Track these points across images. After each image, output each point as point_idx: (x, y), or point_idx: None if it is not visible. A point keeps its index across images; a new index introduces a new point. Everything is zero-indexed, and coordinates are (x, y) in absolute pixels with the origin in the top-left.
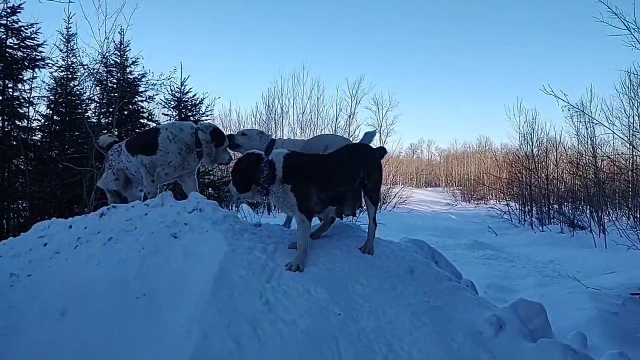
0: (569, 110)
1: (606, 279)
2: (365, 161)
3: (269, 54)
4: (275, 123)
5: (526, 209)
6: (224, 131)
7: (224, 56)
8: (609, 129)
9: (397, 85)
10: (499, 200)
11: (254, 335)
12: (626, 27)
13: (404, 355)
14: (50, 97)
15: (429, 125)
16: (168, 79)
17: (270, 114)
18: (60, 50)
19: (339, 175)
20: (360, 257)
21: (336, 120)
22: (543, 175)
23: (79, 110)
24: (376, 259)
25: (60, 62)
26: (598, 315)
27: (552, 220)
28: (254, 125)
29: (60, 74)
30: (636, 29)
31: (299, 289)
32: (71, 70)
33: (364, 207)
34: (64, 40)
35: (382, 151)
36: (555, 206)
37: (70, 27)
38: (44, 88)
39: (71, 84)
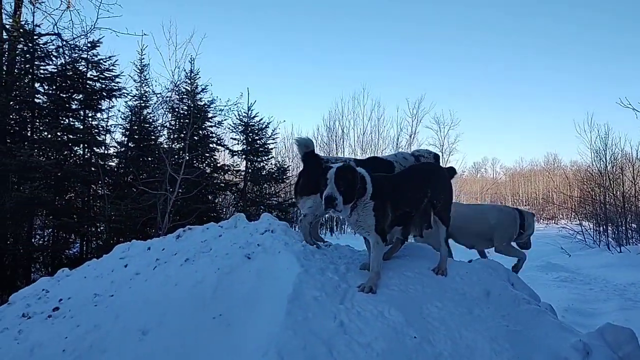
0: None
1: None
2: (433, 180)
3: (330, 76)
4: (336, 144)
5: (601, 228)
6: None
7: (284, 78)
8: None
9: (458, 103)
10: (570, 220)
11: (330, 357)
12: None
13: None
14: (126, 125)
15: (493, 144)
16: (235, 104)
17: (331, 135)
18: (134, 80)
19: (407, 195)
20: (433, 278)
21: (397, 140)
22: (619, 193)
23: (152, 137)
24: (450, 280)
25: (134, 92)
26: None
27: (630, 241)
28: (315, 147)
29: (134, 102)
30: None
31: (372, 311)
32: (144, 99)
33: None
34: (138, 70)
35: (451, 171)
36: (634, 225)
37: (143, 58)
38: (119, 117)
39: (144, 112)
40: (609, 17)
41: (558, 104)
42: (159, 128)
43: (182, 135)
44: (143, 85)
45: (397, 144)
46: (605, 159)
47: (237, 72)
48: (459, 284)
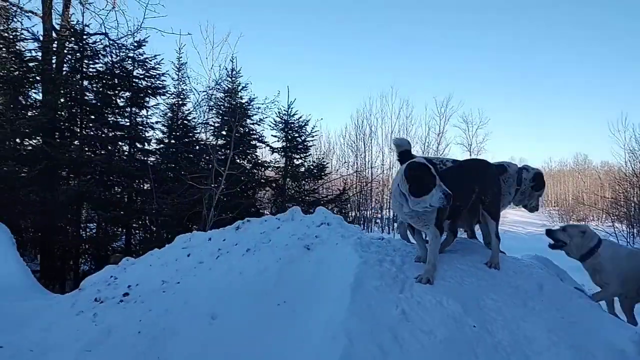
0: None
1: None
2: (481, 176)
3: (358, 74)
4: (364, 143)
5: (635, 230)
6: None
7: (312, 77)
8: None
9: (487, 102)
10: (601, 222)
11: (395, 342)
12: None
13: None
14: (166, 122)
15: (521, 143)
16: (272, 102)
17: (359, 134)
18: (172, 79)
19: (457, 190)
20: (487, 272)
21: (426, 139)
22: None
23: (192, 133)
24: (503, 274)
25: (172, 89)
26: None
27: None
28: (343, 146)
29: (172, 100)
30: None
31: (431, 300)
32: (182, 96)
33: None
34: (176, 68)
35: (500, 168)
36: None
37: (181, 57)
38: (158, 114)
39: (183, 109)
40: None
41: (588, 102)
42: (200, 125)
43: (224, 132)
44: (181, 83)
45: (426, 143)
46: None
47: (268, 71)
48: (512, 277)
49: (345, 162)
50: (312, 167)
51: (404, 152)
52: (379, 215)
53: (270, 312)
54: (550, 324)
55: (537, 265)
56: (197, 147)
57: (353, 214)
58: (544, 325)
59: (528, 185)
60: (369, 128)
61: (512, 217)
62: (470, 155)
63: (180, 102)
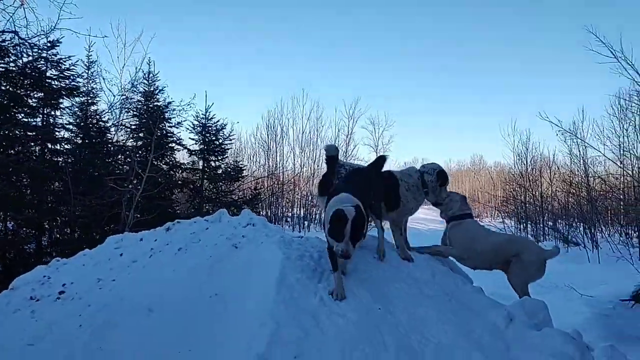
0: (562, 134)
1: (599, 289)
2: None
3: (267, 75)
4: (276, 143)
5: (521, 225)
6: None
7: (221, 77)
8: (599, 151)
9: (392, 105)
10: (494, 218)
11: (316, 325)
12: (613, 55)
13: (434, 341)
14: (78, 123)
15: (423, 145)
16: (188, 104)
17: (271, 134)
18: (81, 78)
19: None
20: (391, 265)
21: (335, 140)
22: (537, 193)
23: (106, 134)
24: (403, 266)
25: (82, 88)
26: (592, 318)
27: (546, 237)
28: (254, 145)
29: (81, 98)
30: (623, 57)
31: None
32: (91, 95)
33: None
34: (85, 67)
35: (381, 160)
36: (550, 223)
37: (90, 55)
38: (69, 115)
39: (94, 109)
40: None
41: (483, 107)
42: (114, 126)
43: (142, 134)
44: (90, 82)
45: (335, 144)
46: (526, 162)
47: (185, 76)
48: (411, 269)
49: (257, 161)
50: (229, 169)
51: (331, 157)
52: (290, 214)
53: (203, 304)
54: (440, 306)
55: (431, 258)
56: (112, 148)
57: (264, 212)
58: (435, 307)
59: (435, 184)
60: (280, 128)
61: (417, 215)
62: (377, 155)
63: (90, 101)
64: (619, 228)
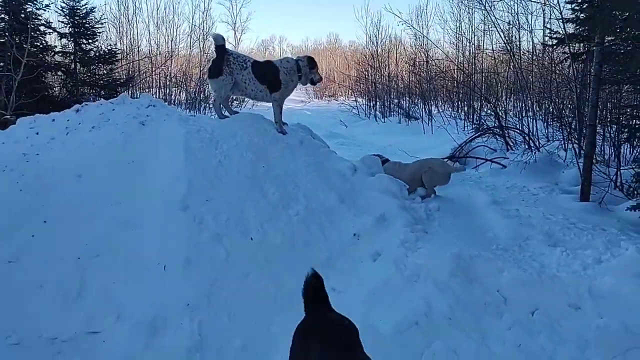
0: (403, 24)
1: (427, 152)
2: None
3: None
4: (128, 20)
5: (371, 104)
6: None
7: None
8: (436, 45)
9: None
10: (347, 97)
11: (218, 179)
12: None
13: (302, 187)
14: None
15: (283, 21)
16: None
17: (122, 10)
18: None
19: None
20: (270, 133)
21: (192, 18)
22: (386, 73)
23: None
24: (280, 136)
25: None
26: None
27: (392, 113)
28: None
29: None
30: None
31: (236, 153)
32: None
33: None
34: None
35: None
36: (396, 100)
37: None
38: None
39: None
40: None
41: None
42: None
43: (4, 15)
44: None
45: (192, 22)
46: (377, 43)
47: None
48: (286, 137)
49: (107, 38)
50: (103, 53)
51: (219, 46)
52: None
53: (124, 169)
54: (307, 162)
55: (299, 129)
56: None
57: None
58: (303, 163)
59: (307, 69)
60: (132, 3)
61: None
62: (235, 34)
63: None
64: (451, 103)
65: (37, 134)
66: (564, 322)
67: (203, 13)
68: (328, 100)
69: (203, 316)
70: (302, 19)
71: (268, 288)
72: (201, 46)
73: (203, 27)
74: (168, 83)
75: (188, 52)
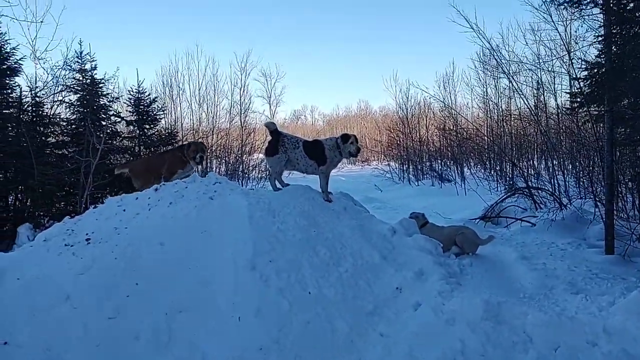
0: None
1: (459, 214)
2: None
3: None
4: (173, 100)
5: (404, 167)
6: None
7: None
8: (461, 114)
9: (282, 55)
10: (380, 162)
11: (277, 242)
12: (470, 26)
13: (349, 247)
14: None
15: (312, 93)
16: (113, 76)
17: (167, 91)
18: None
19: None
20: (317, 201)
21: (232, 95)
22: (417, 138)
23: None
24: (327, 203)
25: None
26: None
27: (425, 176)
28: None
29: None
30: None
31: (290, 220)
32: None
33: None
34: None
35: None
36: (428, 164)
37: None
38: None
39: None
40: None
41: (368, 56)
42: (51, 102)
43: (81, 109)
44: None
45: (231, 97)
46: (407, 110)
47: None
48: (331, 204)
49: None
50: (163, 135)
51: (273, 131)
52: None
53: (198, 237)
54: (351, 225)
55: (342, 197)
56: (47, 121)
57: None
58: (348, 227)
59: (341, 144)
60: (177, 85)
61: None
62: (270, 107)
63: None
64: (482, 165)
65: (124, 210)
66: (582, 356)
67: (240, 89)
68: (361, 166)
69: (274, 357)
70: (332, 88)
71: (326, 334)
72: (241, 121)
73: (241, 102)
74: (208, 155)
75: (228, 127)
